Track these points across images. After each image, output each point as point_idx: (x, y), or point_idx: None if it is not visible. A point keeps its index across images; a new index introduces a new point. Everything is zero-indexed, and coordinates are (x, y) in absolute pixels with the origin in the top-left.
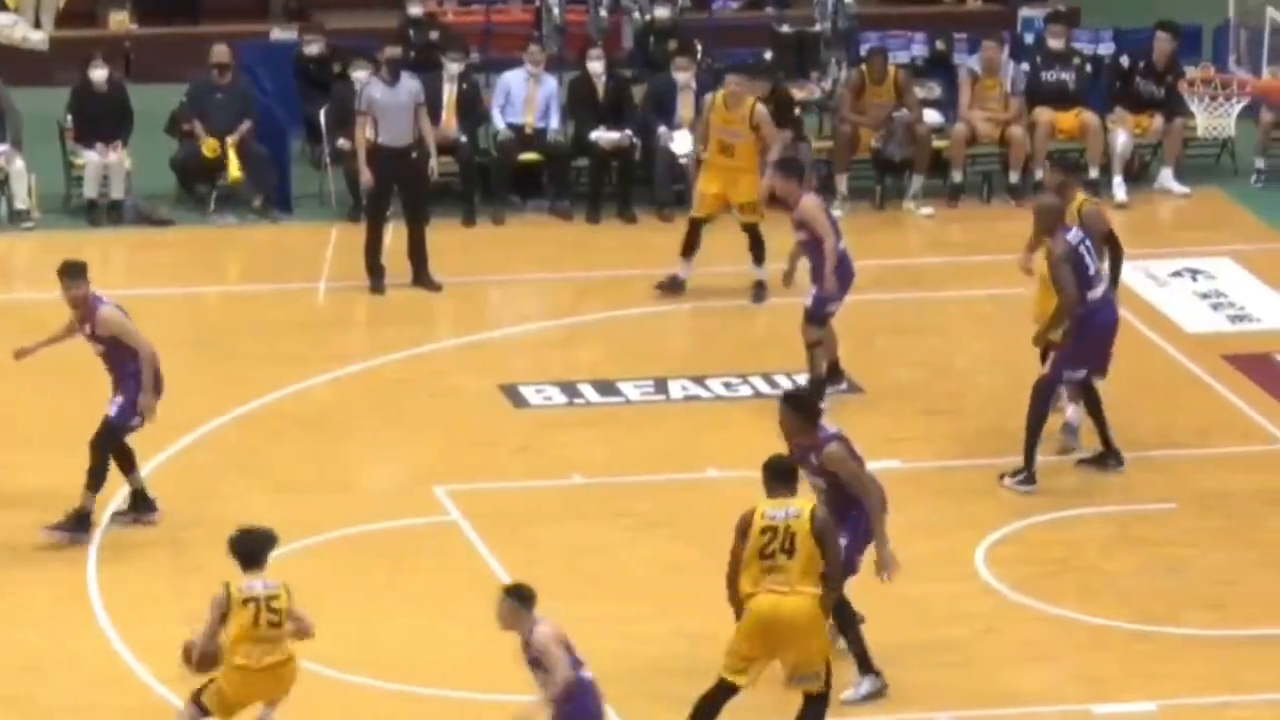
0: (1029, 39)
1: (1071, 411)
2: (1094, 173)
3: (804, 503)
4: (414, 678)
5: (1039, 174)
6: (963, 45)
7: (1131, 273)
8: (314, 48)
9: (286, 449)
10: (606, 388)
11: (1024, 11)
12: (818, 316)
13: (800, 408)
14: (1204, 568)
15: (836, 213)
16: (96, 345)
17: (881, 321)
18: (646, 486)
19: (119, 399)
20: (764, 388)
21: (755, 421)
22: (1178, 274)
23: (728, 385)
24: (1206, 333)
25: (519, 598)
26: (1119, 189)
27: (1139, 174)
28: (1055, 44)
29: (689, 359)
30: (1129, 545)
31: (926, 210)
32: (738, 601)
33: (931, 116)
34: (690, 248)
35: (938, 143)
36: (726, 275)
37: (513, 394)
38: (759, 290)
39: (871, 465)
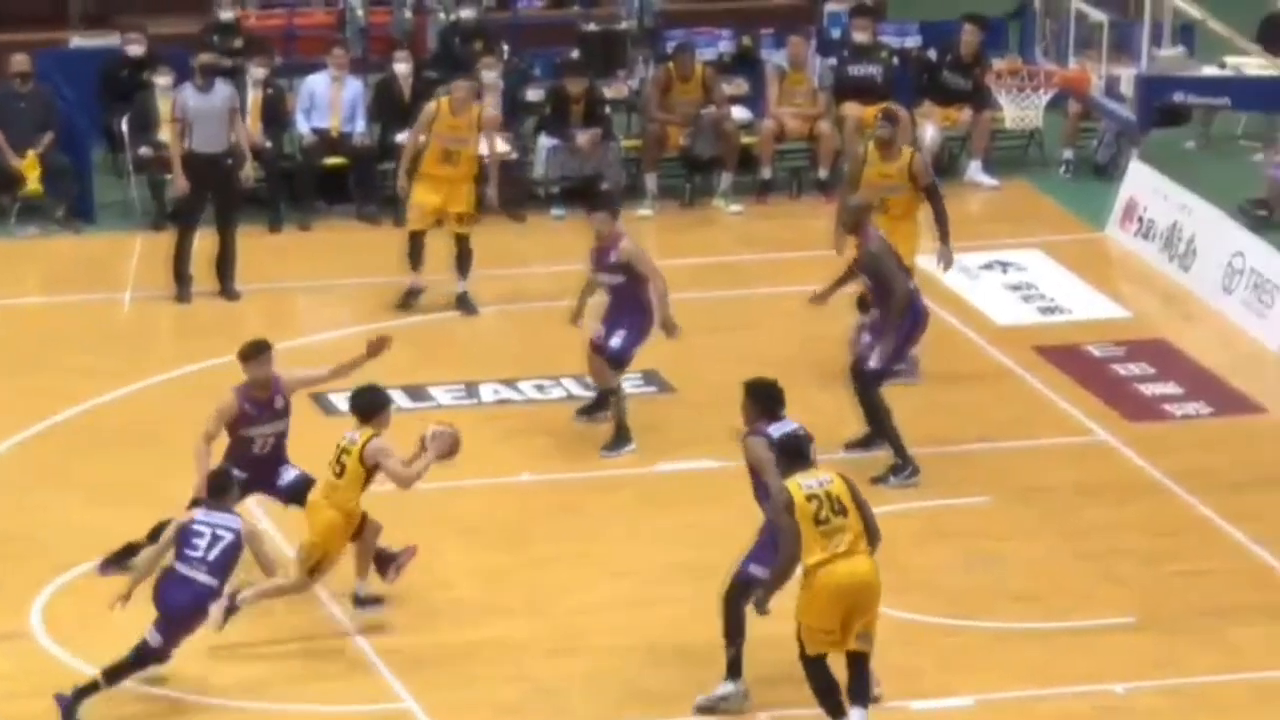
0: (835, 33)
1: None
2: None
3: (828, 470)
4: (250, 691)
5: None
6: (769, 41)
7: (941, 266)
8: (135, 49)
9: (96, 461)
10: (417, 393)
11: (829, 6)
12: (624, 360)
13: (751, 394)
14: (1018, 560)
15: (646, 211)
16: None
17: (694, 320)
18: (459, 492)
19: None
20: (576, 389)
21: (568, 424)
22: (988, 266)
23: (540, 388)
24: (1017, 325)
25: None
26: None
27: (948, 167)
28: (861, 38)
29: (500, 362)
30: (942, 539)
31: (736, 208)
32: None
33: (739, 113)
34: (417, 260)
35: (746, 139)
36: (536, 276)
37: (322, 401)
38: (464, 302)
39: (687, 465)
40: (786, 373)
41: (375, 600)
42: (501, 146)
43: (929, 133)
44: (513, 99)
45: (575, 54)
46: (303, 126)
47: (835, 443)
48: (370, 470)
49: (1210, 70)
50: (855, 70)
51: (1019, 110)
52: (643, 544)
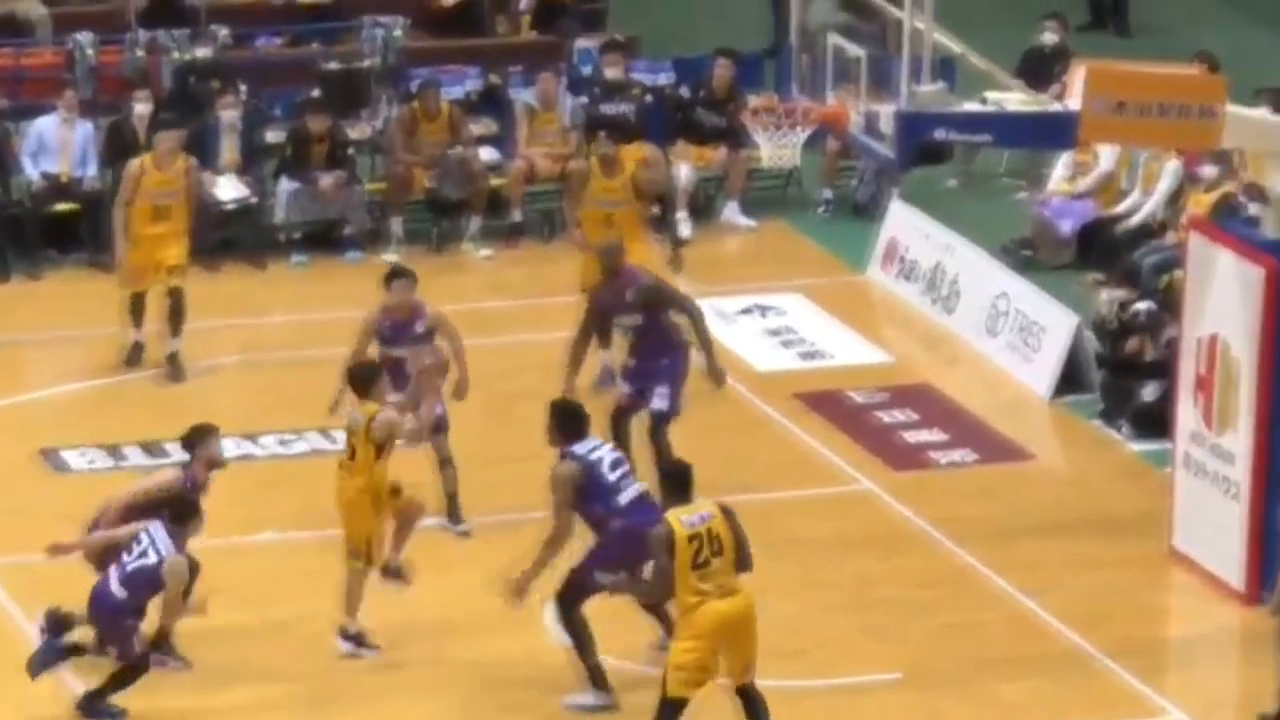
0: (586, 70)
1: (606, 357)
2: (654, 208)
3: (707, 502)
4: None
5: None
6: (517, 79)
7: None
8: None
9: None
10: (154, 448)
11: (579, 42)
12: (445, 426)
13: (555, 415)
14: (779, 616)
15: (391, 257)
16: None
17: None
18: (198, 551)
19: None
20: (322, 443)
21: (313, 479)
22: (746, 311)
23: (283, 441)
24: (777, 371)
25: None
26: (683, 224)
27: (703, 208)
28: (613, 74)
29: (241, 415)
30: None
31: (485, 252)
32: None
33: (487, 154)
34: (139, 317)
35: (495, 181)
36: (277, 326)
37: (53, 458)
38: (174, 364)
39: (436, 521)
40: (533, 426)
41: (400, 575)
42: (240, 190)
43: (683, 173)
44: (251, 141)
45: (316, 93)
46: (30, 171)
47: None
48: (380, 446)
49: (971, 106)
50: (607, 108)
51: (776, 148)
52: (388, 604)
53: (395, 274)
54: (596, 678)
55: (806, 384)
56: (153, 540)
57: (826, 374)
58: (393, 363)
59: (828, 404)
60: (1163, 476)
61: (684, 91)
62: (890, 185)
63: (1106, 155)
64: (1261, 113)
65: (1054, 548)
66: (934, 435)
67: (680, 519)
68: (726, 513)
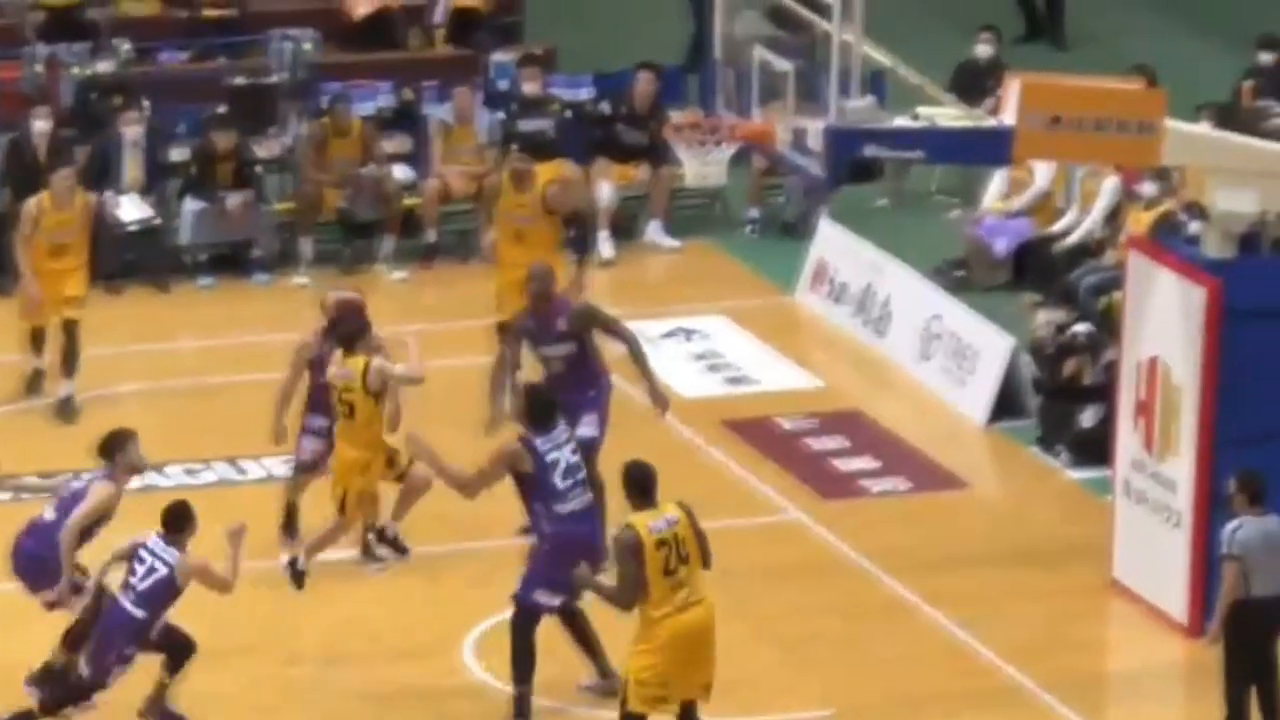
0: (502, 85)
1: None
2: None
3: (672, 505)
4: None
5: None
6: (432, 94)
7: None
8: None
9: None
10: (53, 479)
11: (496, 56)
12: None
13: (528, 400)
14: None
15: (302, 280)
16: None
17: None
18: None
19: None
20: (230, 474)
21: (222, 510)
22: (671, 334)
23: (190, 471)
24: (703, 397)
25: None
26: (604, 245)
27: (626, 228)
28: (531, 89)
29: (145, 444)
30: (627, 625)
31: (399, 274)
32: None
33: (401, 172)
34: (39, 346)
35: (408, 200)
36: (183, 352)
37: None
38: (67, 408)
39: (333, 556)
40: (458, 453)
41: (397, 544)
42: (144, 211)
43: (604, 191)
44: (155, 159)
45: (222, 110)
46: None
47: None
48: (379, 394)
49: (903, 121)
50: (525, 125)
51: (700, 166)
52: (313, 634)
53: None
54: (522, 709)
55: (734, 410)
56: (155, 555)
57: (754, 400)
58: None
59: (756, 431)
60: (1102, 505)
61: (604, 107)
62: (819, 204)
63: (1042, 172)
64: (1203, 128)
65: (990, 579)
66: (865, 463)
67: (647, 525)
68: (688, 513)
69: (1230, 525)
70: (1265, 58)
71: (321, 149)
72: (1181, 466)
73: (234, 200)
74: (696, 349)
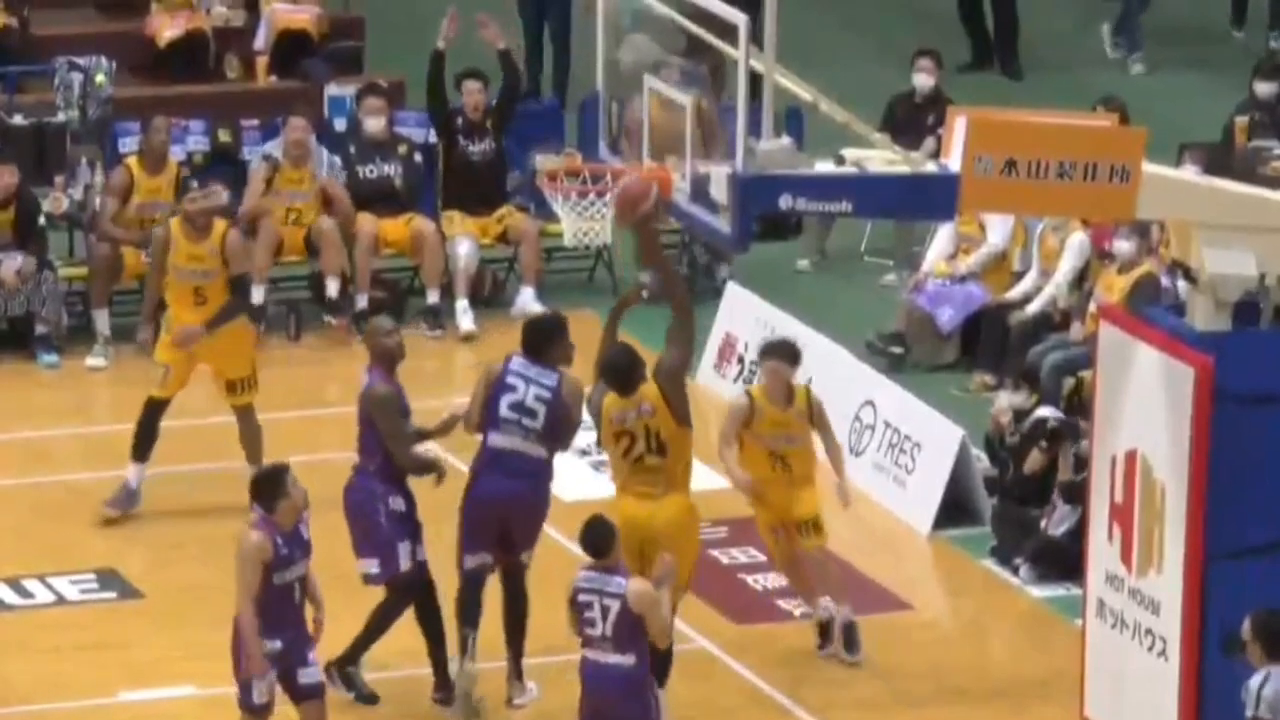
0: (339, 124)
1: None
2: (433, 297)
3: (652, 391)
4: None
5: (361, 301)
6: (253, 135)
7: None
8: None
9: None
10: None
11: (331, 88)
12: None
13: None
14: None
15: (97, 362)
16: None
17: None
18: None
19: None
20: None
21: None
22: None
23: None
24: (589, 500)
25: None
26: (464, 316)
27: (491, 296)
28: (374, 128)
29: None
30: None
31: None
32: None
33: None
34: None
35: None
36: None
37: None
38: None
39: (160, 693)
40: None
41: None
42: None
43: (463, 249)
44: None
45: None
46: None
47: None
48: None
49: (825, 166)
50: (367, 171)
51: (580, 222)
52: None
53: None
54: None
55: None
56: None
57: None
58: None
59: None
60: (1072, 629)
61: (431, 136)
62: (724, 265)
63: (995, 228)
64: (1189, 173)
65: (939, 717)
66: (784, 580)
67: (613, 413)
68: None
69: (1255, 679)
70: (1263, 89)
71: (125, 199)
72: (1166, 583)
73: (10, 266)
74: (579, 442)
